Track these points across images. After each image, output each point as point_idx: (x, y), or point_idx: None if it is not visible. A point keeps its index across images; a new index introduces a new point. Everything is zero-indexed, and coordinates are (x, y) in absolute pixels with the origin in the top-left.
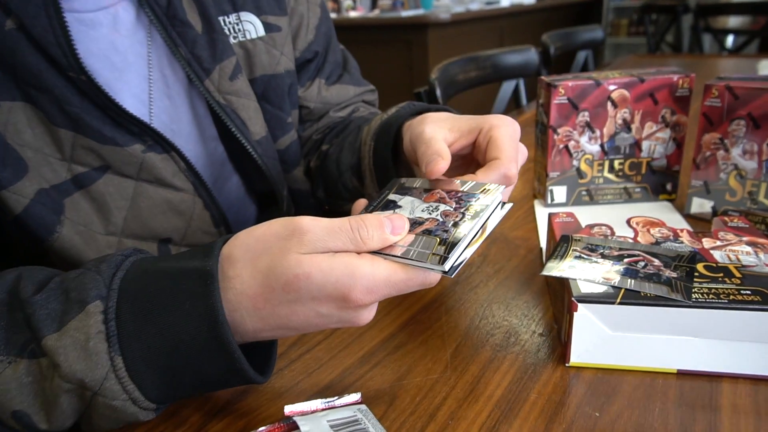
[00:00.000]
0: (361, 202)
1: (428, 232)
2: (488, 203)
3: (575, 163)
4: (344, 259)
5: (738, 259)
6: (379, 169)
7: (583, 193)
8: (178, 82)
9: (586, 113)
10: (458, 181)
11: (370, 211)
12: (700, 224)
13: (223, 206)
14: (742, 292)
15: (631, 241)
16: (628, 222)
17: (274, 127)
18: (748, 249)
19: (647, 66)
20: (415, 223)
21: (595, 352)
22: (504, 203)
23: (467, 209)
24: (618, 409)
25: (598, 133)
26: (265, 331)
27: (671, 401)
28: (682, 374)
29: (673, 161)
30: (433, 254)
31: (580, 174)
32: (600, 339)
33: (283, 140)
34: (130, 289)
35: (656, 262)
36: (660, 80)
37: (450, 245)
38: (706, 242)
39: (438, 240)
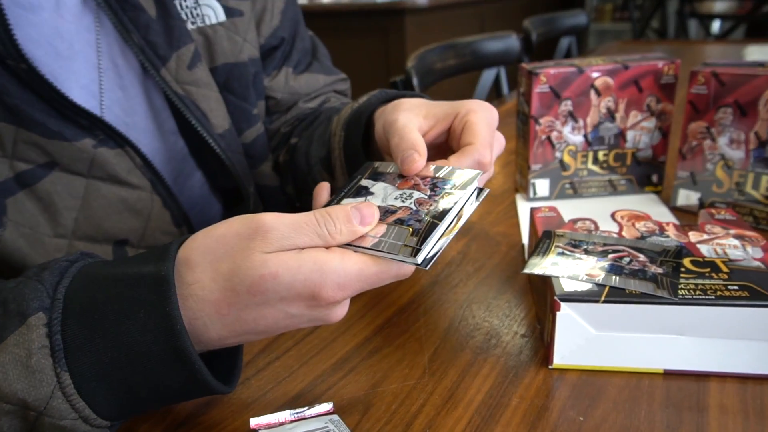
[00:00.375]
0: (323, 187)
1: (400, 222)
2: (463, 190)
3: (558, 154)
4: (312, 255)
5: (725, 253)
6: (350, 161)
7: (567, 186)
8: (132, 71)
9: (569, 102)
10: (433, 166)
11: (341, 198)
12: (687, 216)
13: (185, 205)
14: (729, 287)
15: (615, 236)
16: (613, 216)
17: (239, 119)
18: (736, 242)
19: (632, 52)
20: (387, 212)
21: (579, 353)
22: (481, 189)
23: (442, 197)
24: (603, 413)
25: (581, 122)
26: (230, 337)
27: (658, 403)
28: (668, 374)
29: (658, 152)
30: (406, 246)
31: (563, 166)
32: (584, 339)
33: (249, 133)
34: (77, 299)
35: (641, 257)
36: (645, 67)
37: (423, 236)
38: (693, 236)
39: (410, 230)
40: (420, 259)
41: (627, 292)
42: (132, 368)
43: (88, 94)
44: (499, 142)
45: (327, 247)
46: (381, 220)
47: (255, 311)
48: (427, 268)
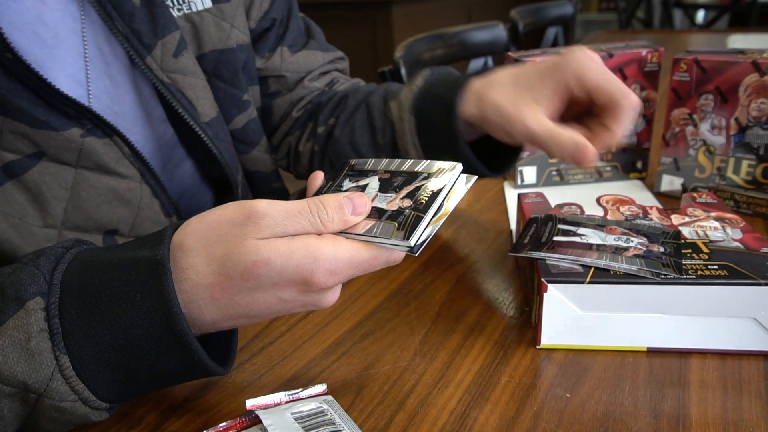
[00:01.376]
0: (317, 176)
1: (388, 218)
2: (447, 179)
3: None
4: (304, 241)
5: (706, 235)
6: (428, 142)
7: (554, 173)
8: (118, 59)
9: None
10: (410, 162)
11: (331, 189)
12: (671, 202)
13: (175, 194)
14: (709, 267)
15: (599, 217)
16: (598, 200)
17: (229, 105)
18: (716, 224)
19: (617, 42)
20: (374, 209)
21: (565, 333)
22: (468, 176)
23: (424, 191)
24: (589, 389)
25: None
26: (224, 321)
27: (641, 379)
28: (651, 352)
29: (643, 138)
30: (397, 230)
31: None
32: (570, 319)
33: (239, 119)
34: (74, 283)
35: (643, 239)
36: (629, 55)
37: (413, 222)
38: (675, 219)
39: (396, 225)
40: (412, 242)
41: (611, 273)
42: (130, 350)
43: (75, 83)
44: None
45: (319, 234)
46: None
47: (248, 296)
48: (417, 254)
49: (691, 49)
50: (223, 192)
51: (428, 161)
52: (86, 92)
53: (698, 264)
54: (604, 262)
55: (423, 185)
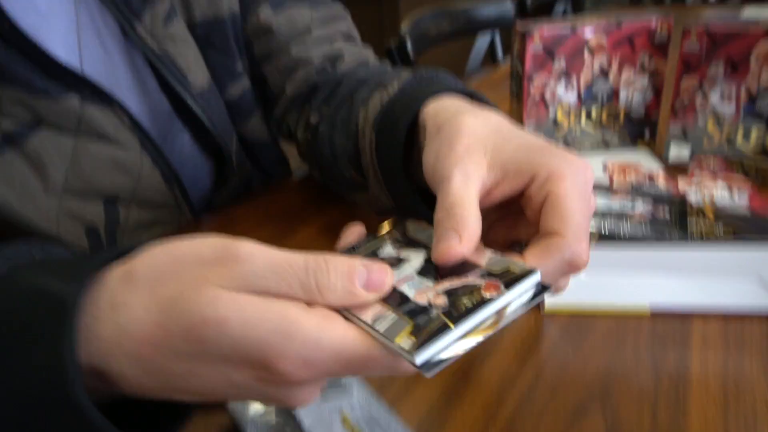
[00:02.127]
0: (352, 231)
1: (408, 312)
2: (510, 288)
3: (552, 113)
4: (283, 308)
5: (712, 200)
6: (385, 171)
7: (561, 144)
8: (109, 28)
9: (563, 61)
10: (489, 255)
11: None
12: (678, 170)
13: (175, 163)
14: (714, 229)
15: (605, 183)
16: (604, 167)
17: (222, 74)
18: (723, 189)
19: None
20: (399, 296)
21: (569, 295)
22: (544, 287)
23: (480, 290)
24: (591, 348)
25: (574, 81)
26: (156, 390)
27: (644, 339)
28: (655, 315)
29: (651, 109)
30: (408, 334)
31: (556, 125)
32: (574, 281)
33: (234, 89)
34: None
35: (649, 206)
36: (638, 25)
37: (435, 331)
38: (681, 183)
39: (411, 325)
40: (418, 360)
41: (616, 235)
42: (21, 417)
43: (69, 51)
44: (591, 207)
45: (309, 305)
46: (385, 300)
47: (186, 364)
48: (428, 375)
49: (702, 18)
50: (221, 162)
51: (501, 256)
52: (79, 60)
53: (704, 228)
54: (609, 227)
55: (475, 285)
